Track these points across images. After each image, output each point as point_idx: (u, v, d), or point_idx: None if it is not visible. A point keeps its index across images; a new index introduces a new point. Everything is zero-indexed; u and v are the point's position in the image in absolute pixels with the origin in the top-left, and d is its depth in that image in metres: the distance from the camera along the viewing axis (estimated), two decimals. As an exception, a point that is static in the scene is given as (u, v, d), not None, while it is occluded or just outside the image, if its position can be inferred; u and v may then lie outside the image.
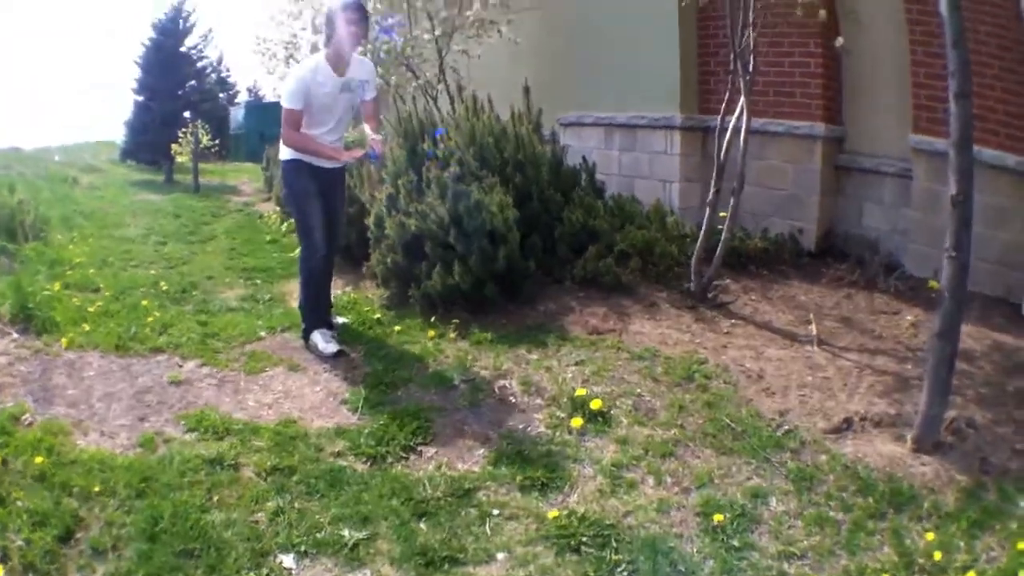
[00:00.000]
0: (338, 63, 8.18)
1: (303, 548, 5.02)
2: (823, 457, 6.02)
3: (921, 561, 4.83)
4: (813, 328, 8.34)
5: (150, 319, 9.22)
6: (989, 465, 5.82)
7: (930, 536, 5.03)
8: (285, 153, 8.48)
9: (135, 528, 5.07)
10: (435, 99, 13.28)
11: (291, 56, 17.83)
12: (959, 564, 4.77)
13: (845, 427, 6.44)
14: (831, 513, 5.38)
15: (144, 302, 9.95)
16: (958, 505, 5.38)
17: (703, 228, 9.09)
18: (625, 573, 4.79)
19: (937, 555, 4.82)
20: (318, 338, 8.48)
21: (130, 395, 7.27)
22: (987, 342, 7.90)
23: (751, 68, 8.69)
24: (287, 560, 4.91)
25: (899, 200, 10.17)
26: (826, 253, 10.88)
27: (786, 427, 6.44)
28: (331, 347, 8.37)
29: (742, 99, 8.74)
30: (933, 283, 8.85)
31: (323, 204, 8.46)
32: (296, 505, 5.48)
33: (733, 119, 8.99)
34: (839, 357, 7.76)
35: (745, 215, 10.46)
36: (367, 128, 8.62)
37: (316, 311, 8.70)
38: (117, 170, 28.97)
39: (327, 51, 8.20)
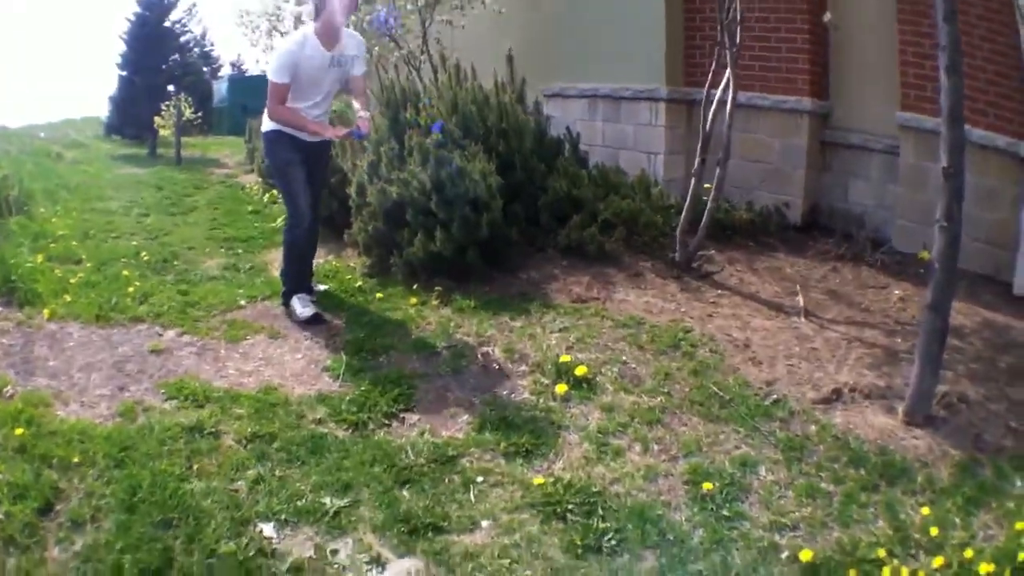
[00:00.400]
0: (328, 37, 7.96)
1: (283, 516, 4.95)
2: (813, 427, 6.02)
3: (916, 536, 4.78)
4: (800, 299, 8.31)
5: (131, 289, 9.13)
6: (983, 442, 5.80)
7: (925, 511, 4.98)
8: (267, 124, 8.32)
9: (114, 498, 5.00)
10: (418, 69, 13.17)
11: (274, 28, 17.78)
12: (956, 541, 4.72)
13: (835, 398, 6.44)
14: (822, 484, 5.35)
15: (125, 272, 9.85)
16: (953, 480, 5.36)
17: (688, 198, 9.10)
18: (612, 542, 4.72)
19: (934, 531, 4.77)
20: (296, 303, 8.43)
21: (110, 365, 7.18)
22: (977, 319, 7.92)
23: (738, 40, 8.67)
24: (267, 529, 4.83)
25: (886, 176, 10.20)
26: (812, 227, 10.91)
27: (774, 396, 6.44)
28: (308, 311, 8.33)
29: (728, 71, 8.71)
30: (924, 253, 8.84)
31: (306, 174, 8.34)
32: (277, 473, 5.41)
33: (719, 91, 8.95)
34: (826, 329, 7.75)
35: (731, 188, 10.42)
36: (355, 104, 8.45)
37: (297, 278, 8.64)
38: (101, 145, 28.81)
39: (316, 25, 7.96)
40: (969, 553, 4.52)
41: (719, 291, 8.66)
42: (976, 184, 8.34)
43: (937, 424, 6.00)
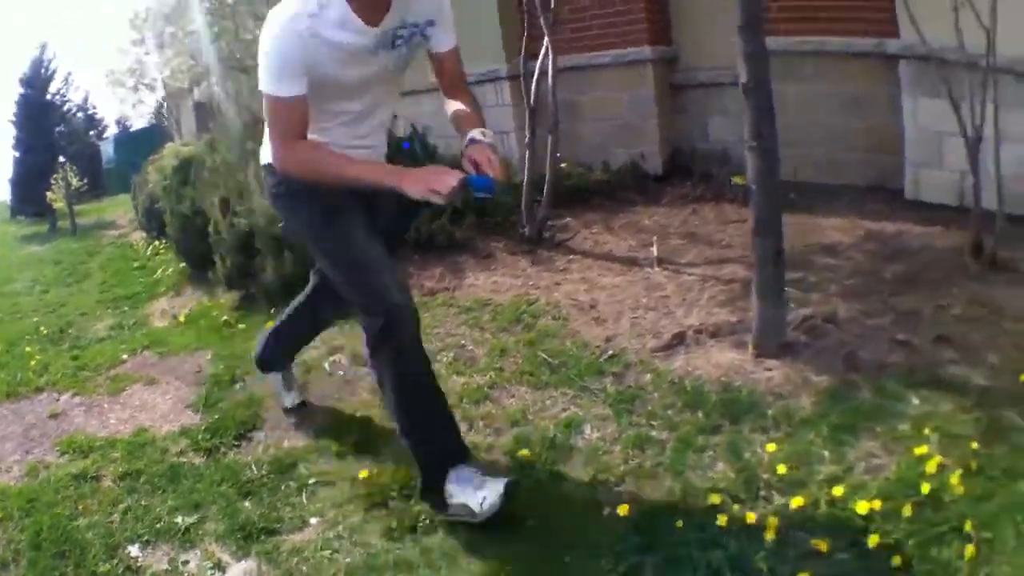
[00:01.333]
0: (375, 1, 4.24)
1: (146, 538, 5.33)
2: (648, 377, 5.95)
3: (766, 476, 4.54)
4: (654, 249, 8.27)
5: (32, 363, 9.51)
6: (859, 360, 5.47)
7: (771, 447, 4.74)
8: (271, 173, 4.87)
9: (26, 542, 5.47)
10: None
11: (139, 82, 17.74)
12: (822, 477, 4.42)
13: (676, 343, 6.28)
14: (653, 433, 5.26)
15: (28, 348, 10.25)
16: (817, 410, 5.07)
17: (526, 171, 9.24)
18: (427, 520, 4.90)
19: (781, 468, 4.48)
20: (457, 490, 4.74)
21: (19, 434, 7.56)
22: (859, 232, 7.91)
23: (552, 5, 8.85)
24: (134, 550, 5.25)
25: (742, 108, 10.27)
26: (673, 174, 10.97)
27: (611, 352, 6.40)
28: (495, 494, 4.55)
29: (546, 38, 8.90)
30: (738, 178, 8.78)
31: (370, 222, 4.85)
32: (142, 502, 5.77)
33: (539, 60, 9.18)
34: (681, 274, 7.73)
35: (587, 150, 10.65)
36: (452, 113, 4.97)
37: (438, 441, 4.97)
38: (7, 228, 29.37)
39: None
40: (839, 490, 4.21)
41: (571, 257, 8.73)
42: (842, 93, 8.64)
43: (797, 350, 5.73)
